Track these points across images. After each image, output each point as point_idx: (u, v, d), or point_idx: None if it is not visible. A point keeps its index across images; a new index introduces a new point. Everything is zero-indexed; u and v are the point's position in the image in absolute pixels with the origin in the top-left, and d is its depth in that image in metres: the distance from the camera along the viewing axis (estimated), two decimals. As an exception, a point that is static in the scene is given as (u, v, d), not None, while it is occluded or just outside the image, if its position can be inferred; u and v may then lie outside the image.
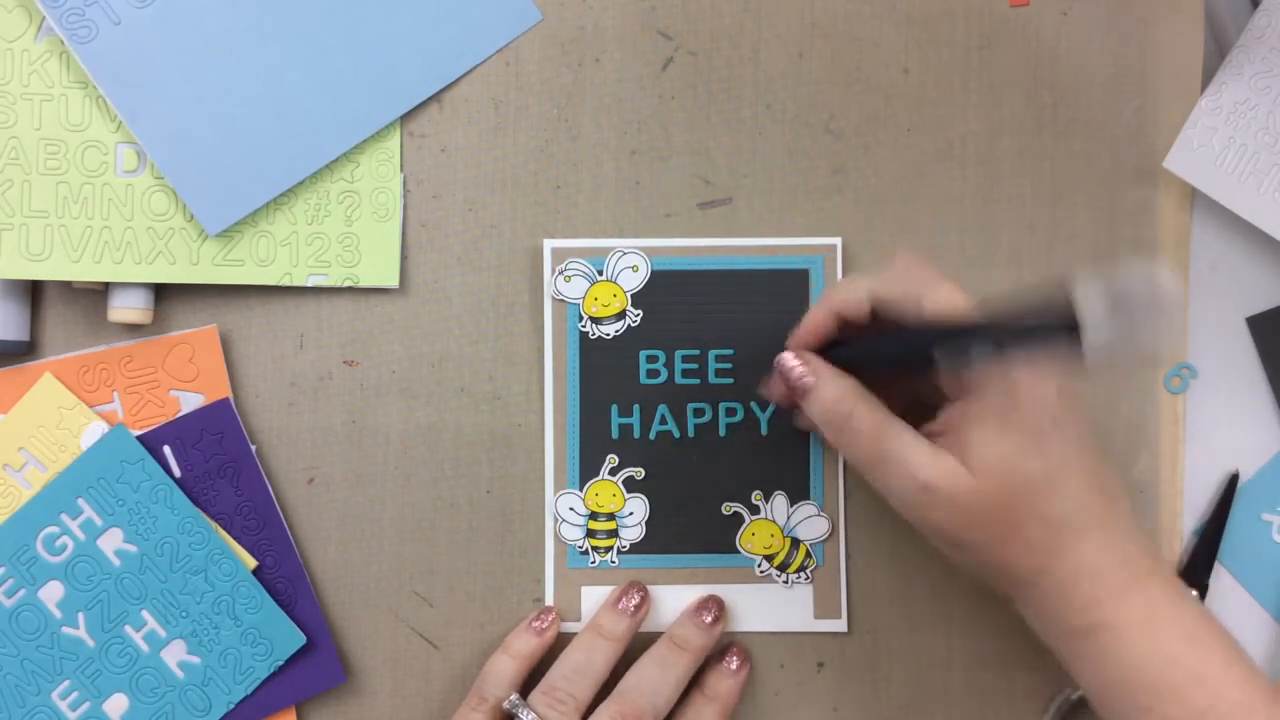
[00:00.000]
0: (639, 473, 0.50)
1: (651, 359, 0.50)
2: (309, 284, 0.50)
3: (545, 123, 0.51)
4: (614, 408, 0.50)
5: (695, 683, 0.49)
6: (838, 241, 0.50)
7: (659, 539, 0.50)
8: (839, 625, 0.50)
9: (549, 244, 0.50)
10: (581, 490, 0.50)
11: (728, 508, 0.50)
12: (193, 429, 0.49)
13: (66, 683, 0.48)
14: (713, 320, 0.50)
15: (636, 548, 0.50)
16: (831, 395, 0.43)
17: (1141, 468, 0.51)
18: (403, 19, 0.50)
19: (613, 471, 0.50)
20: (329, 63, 0.49)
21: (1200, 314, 0.51)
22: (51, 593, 0.48)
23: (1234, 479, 0.51)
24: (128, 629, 0.48)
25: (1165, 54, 0.51)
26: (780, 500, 0.50)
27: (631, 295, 0.50)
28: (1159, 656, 0.39)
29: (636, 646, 0.48)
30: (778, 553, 0.50)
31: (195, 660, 0.48)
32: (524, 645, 0.48)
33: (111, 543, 0.48)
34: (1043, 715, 0.51)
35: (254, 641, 0.48)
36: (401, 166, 0.50)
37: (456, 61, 0.50)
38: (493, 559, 0.50)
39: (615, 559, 0.50)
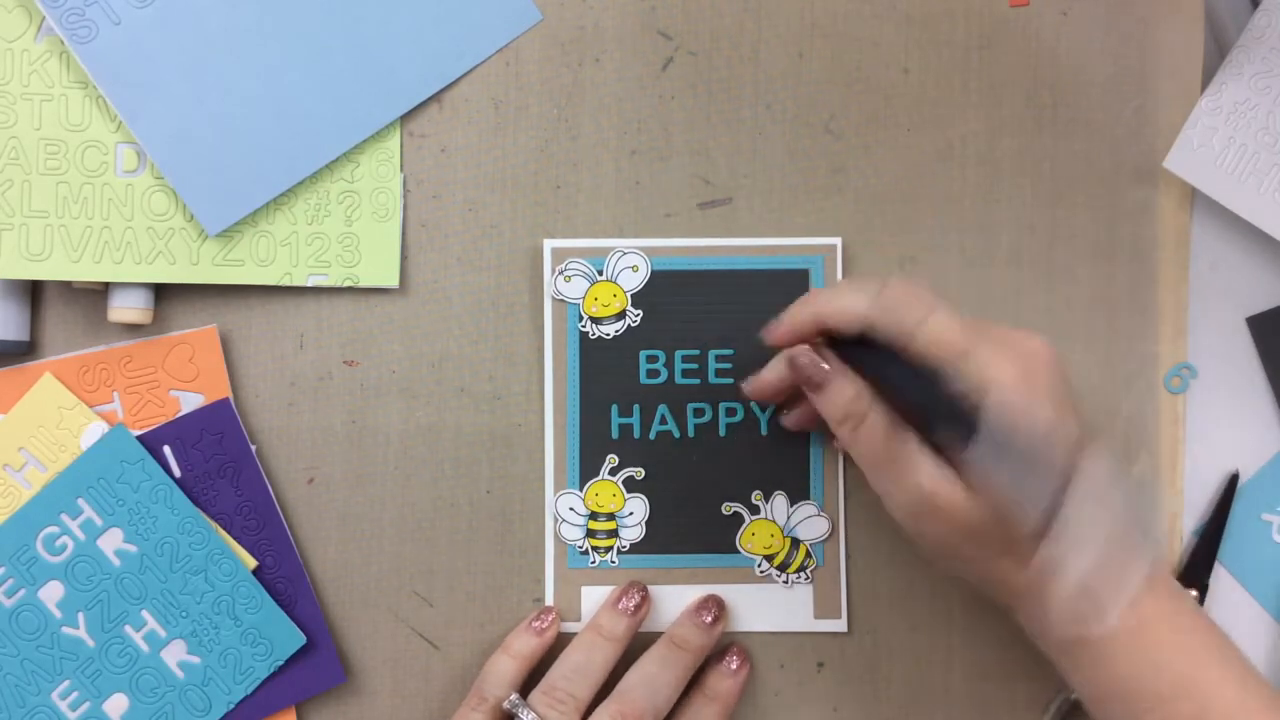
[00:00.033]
0: (639, 473, 0.50)
1: (651, 359, 0.50)
2: (309, 284, 0.50)
3: (545, 123, 0.51)
4: (614, 408, 0.50)
5: (695, 683, 0.49)
6: (838, 241, 0.50)
7: (659, 539, 0.50)
8: (839, 625, 0.50)
9: (549, 244, 0.50)
10: (581, 490, 0.50)
11: (728, 508, 0.50)
12: (193, 429, 0.49)
13: (66, 683, 0.48)
14: (713, 320, 0.50)
15: (636, 548, 0.50)
16: (850, 392, 0.43)
17: (1141, 468, 0.51)
18: (403, 19, 0.50)
19: (613, 471, 0.50)
20: (329, 63, 0.49)
21: (1200, 314, 0.51)
22: (51, 593, 0.48)
23: (1234, 479, 0.51)
24: (128, 629, 0.48)
25: (1165, 54, 0.51)
26: (780, 500, 0.50)
27: (631, 295, 0.50)
28: (1149, 666, 0.39)
29: (636, 646, 0.48)
30: (778, 553, 0.50)
31: (195, 660, 0.48)
32: (524, 645, 0.48)
33: (111, 543, 0.48)
34: (1042, 716, 0.51)
35: (254, 641, 0.48)
36: (401, 166, 0.50)
37: (456, 61, 0.50)
38: (493, 559, 0.50)
39: (615, 559, 0.50)
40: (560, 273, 0.50)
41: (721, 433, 0.50)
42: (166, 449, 0.49)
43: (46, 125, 0.48)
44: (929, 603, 0.51)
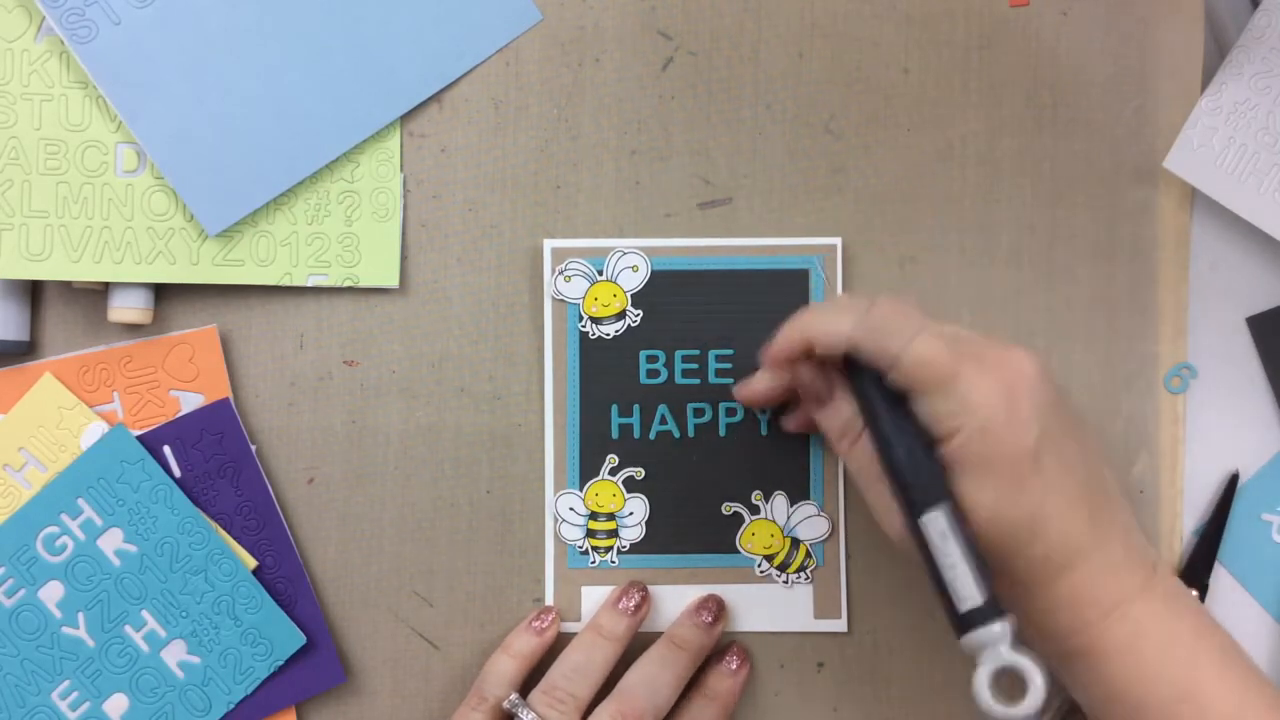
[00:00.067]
0: (639, 473, 0.50)
1: (651, 359, 0.50)
2: (309, 284, 0.50)
3: (545, 123, 0.51)
4: (614, 408, 0.50)
5: (695, 683, 0.49)
6: (838, 241, 0.50)
7: (659, 539, 0.50)
8: (839, 625, 0.50)
9: (549, 244, 0.50)
10: (581, 490, 0.50)
11: (728, 508, 0.50)
12: (193, 429, 0.49)
13: (66, 683, 0.48)
14: (713, 320, 0.50)
15: (636, 548, 0.50)
16: (850, 409, 0.43)
17: (1141, 468, 0.51)
18: (403, 19, 0.50)
19: (613, 471, 0.50)
20: (329, 63, 0.49)
21: (1200, 314, 0.51)
22: (51, 593, 0.48)
23: (1234, 479, 0.51)
24: (128, 629, 0.48)
25: (1165, 54, 0.51)
26: (780, 500, 0.50)
27: (631, 295, 0.50)
28: (1145, 677, 0.39)
29: (637, 646, 0.48)
30: (778, 553, 0.50)
31: (195, 660, 0.48)
32: (524, 645, 0.48)
33: (111, 543, 0.48)
34: (1042, 716, 0.51)
35: (254, 641, 0.48)
36: (401, 166, 0.50)
37: (456, 61, 0.50)
38: (493, 559, 0.50)
39: (615, 559, 0.50)
40: (560, 273, 0.50)
41: (721, 433, 0.50)
42: (166, 449, 0.49)
43: (46, 125, 0.48)
44: (929, 603, 0.50)
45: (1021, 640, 0.43)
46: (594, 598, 0.50)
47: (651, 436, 0.50)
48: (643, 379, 0.50)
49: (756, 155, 0.51)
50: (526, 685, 0.48)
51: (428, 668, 0.50)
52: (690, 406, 0.50)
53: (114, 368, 0.49)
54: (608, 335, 0.50)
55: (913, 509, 0.39)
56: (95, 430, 0.49)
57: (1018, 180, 0.51)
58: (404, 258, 0.50)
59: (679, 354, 0.50)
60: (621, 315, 0.50)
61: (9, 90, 0.48)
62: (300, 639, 0.49)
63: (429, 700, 0.50)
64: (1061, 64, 0.51)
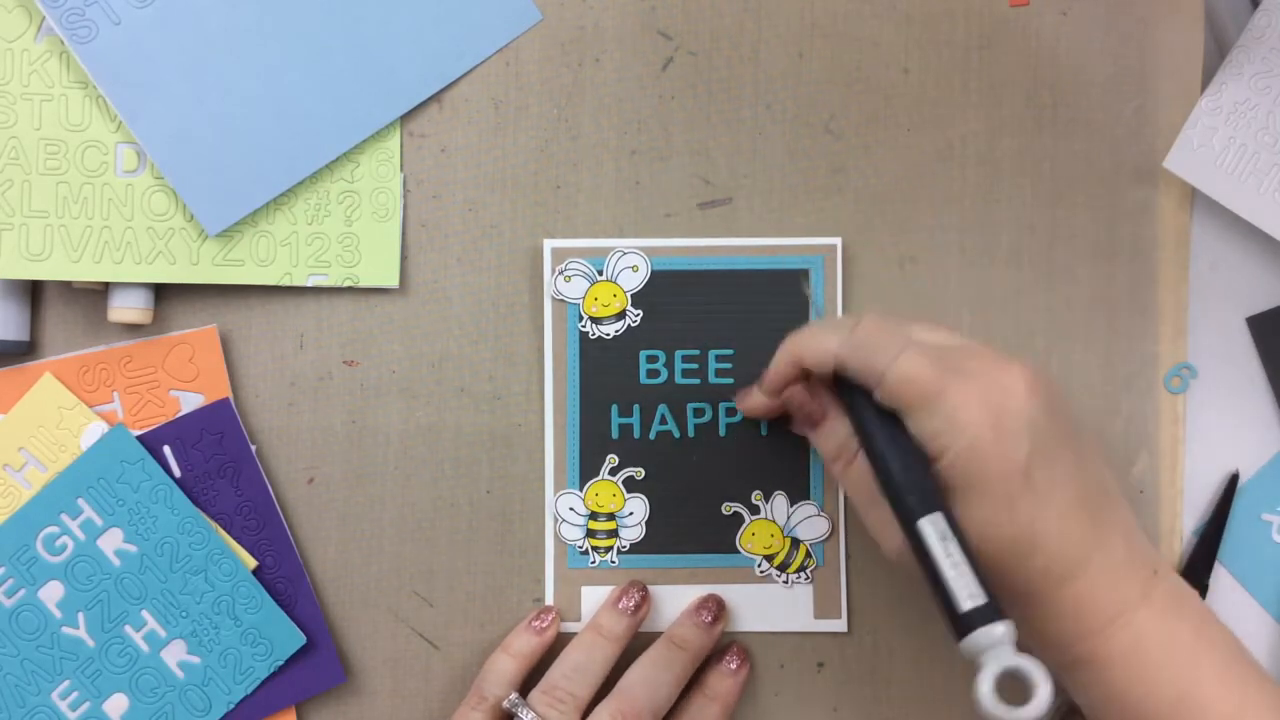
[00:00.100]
0: (639, 473, 0.50)
1: (651, 359, 0.50)
2: (309, 284, 0.50)
3: (545, 123, 0.51)
4: (614, 408, 0.50)
5: (695, 682, 0.49)
6: (838, 241, 0.50)
7: (659, 539, 0.50)
8: (839, 625, 0.50)
9: (549, 244, 0.50)
10: (581, 490, 0.50)
11: (728, 508, 0.50)
12: (193, 429, 0.49)
13: (66, 683, 0.48)
14: (713, 320, 0.50)
15: (636, 548, 0.50)
16: (844, 431, 0.43)
17: (1141, 468, 0.51)
18: (403, 19, 0.50)
19: (613, 471, 0.50)
20: (329, 63, 0.49)
21: (1200, 314, 0.51)
22: (51, 593, 0.48)
23: (1234, 479, 0.51)
24: (128, 629, 0.48)
25: (1165, 54, 0.51)
26: (780, 500, 0.50)
27: (631, 295, 0.50)
28: (1142, 683, 0.39)
29: (637, 646, 0.48)
30: (778, 553, 0.50)
31: (195, 660, 0.48)
32: (524, 645, 0.48)
33: (111, 543, 0.48)
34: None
35: (254, 641, 0.48)
36: (401, 166, 0.50)
37: (456, 61, 0.50)
38: (493, 559, 0.50)
39: (615, 559, 0.50)
40: (560, 273, 0.50)
41: (721, 433, 0.50)
42: (166, 449, 0.49)
43: (46, 125, 0.48)
44: (929, 602, 0.50)
45: (1021, 649, 0.43)
46: (594, 598, 0.50)
47: (651, 436, 0.50)
48: (643, 379, 0.50)
49: (756, 155, 0.51)
50: (526, 685, 0.48)
51: (428, 668, 0.50)
52: (690, 406, 0.50)
53: (114, 368, 0.49)
54: (608, 335, 0.50)
55: (910, 515, 0.39)
56: (95, 430, 0.49)
57: (1018, 180, 0.51)
58: (404, 258, 0.50)
59: (679, 354, 0.50)
60: (621, 315, 0.50)
61: (9, 90, 0.48)
62: (300, 639, 0.49)
63: (429, 700, 0.50)
64: (1061, 64, 0.51)
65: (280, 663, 0.49)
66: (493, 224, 0.51)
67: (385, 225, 0.50)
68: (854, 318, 0.42)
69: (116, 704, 0.48)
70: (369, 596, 0.50)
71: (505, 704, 0.46)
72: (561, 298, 0.50)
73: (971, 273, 0.51)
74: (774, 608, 0.50)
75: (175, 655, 0.48)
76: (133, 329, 0.50)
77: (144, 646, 0.48)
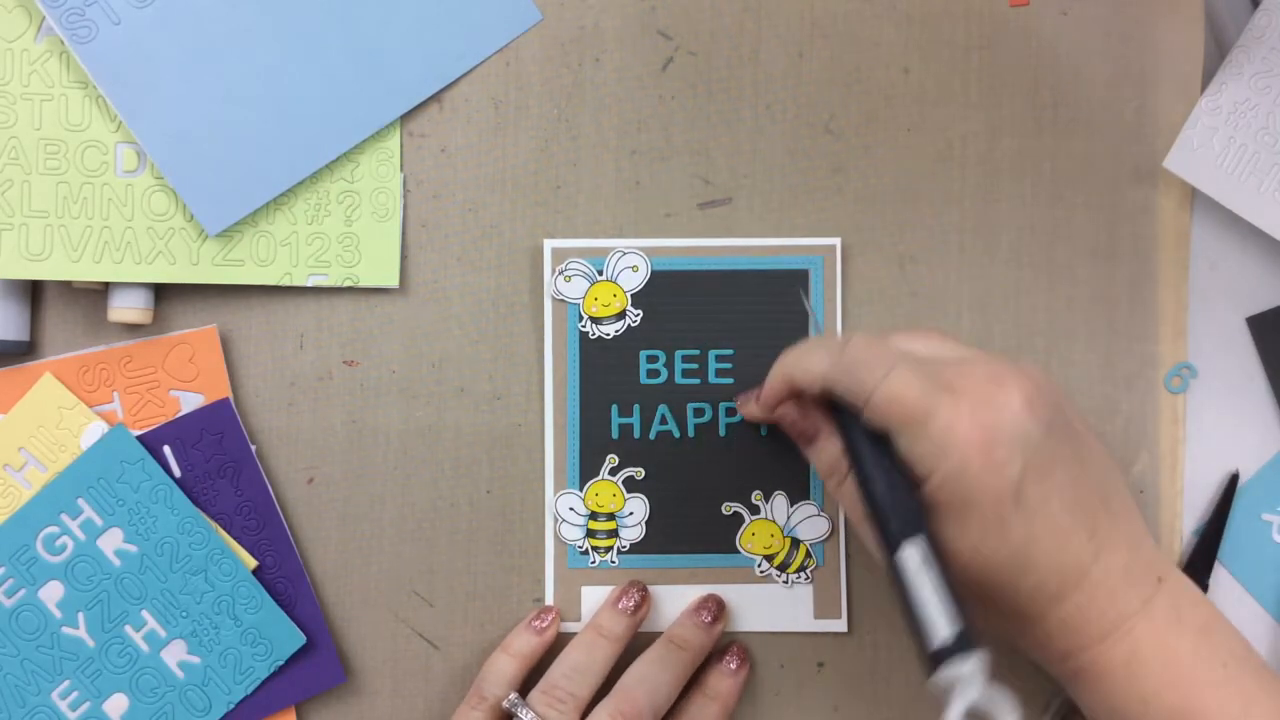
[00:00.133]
0: (639, 473, 0.50)
1: (651, 359, 0.50)
2: (309, 284, 0.50)
3: (545, 123, 0.51)
4: (614, 408, 0.50)
5: (695, 682, 0.49)
6: (837, 242, 0.50)
7: (659, 539, 0.50)
8: (839, 625, 0.50)
9: (549, 244, 0.50)
10: (581, 490, 0.50)
11: (728, 508, 0.50)
12: (193, 429, 0.49)
13: (66, 683, 0.48)
14: (713, 320, 0.50)
15: (636, 548, 0.50)
16: (836, 449, 0.43)
17: (1141, 468, 0.51)
18: (403, 19, 0.50)
19: (613, 471, 0.50)
20: (329, 63, 0.49)
21: (1200, 314, 0.51)
22: (51, 593, 0.48)
23: (1234, 479, 0.51)
24: (128, 629, 0.48)
25: (1165, 54, 0.51)
26: (780, 500, 0.50)
27: (631, 295, 0.50)
28: (1141, 695, 0.39)
29: (637, 646, 0.48)
30: (778, 553, 0.50)
31: (195, 660, 0.48)
32: (524, 645, 0.48)
33: (111, 543, 0.48)
34: (1042, 716, 0.51)
35: (254, 641, 0.48)
36: (401, 166, 0.50)
37: (456, 61, 0.50)
38: (493, 559, 0.50)
39: (615, 559, 0.50)
40: (560, 273, 0.50)
41: (721, 433, 0.50)
42: (166, 449, 0.49)
43: (46, 125, 0.48)
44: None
45: (1025, 659, 0.43)
46: (594, 598, 0.50)
47: (651, 436, 0.50)
48: (643, 379, 0.50)
49: (756, 155, 0.51)
50: (527, 685, 0.48)
51: (428, 668, 0.50)
52: (690, 406, 0.50)
53: (114, 368, 0.49)
54: (608, 335, 0.50)
55: (889, 542, 0.39)
56: (95, 430, 0.49)
57: (1018, 180, 0.51)
58: (404, 258, 0.50)
59: (679, 354, 0.50)
60: (621, 315, 0.50)
61: (9, 90, 0.48)
62: (300, 639, 0.49)
63: (429, 700, 0.50)
64: (1061, 64, 0.51)
65: (280, 663, 0.49)
66: (493, 224, 0.51)
67: (385, 225, 0.50)
68: (845, 337, 0.41)
69: (116, 704, 0.48)
70: (369, 596, 0.50)
71: (505, 704, 0.46)
72: (561, 298, 0.50)
73: (971, 273, 0.51)
74: (774, 608, 0.50)
75: (175, 655, 0.48)
76: (133, 329, 0.50)
77: (144, 646, 0.48)
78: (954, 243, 0.51)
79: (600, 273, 0.50)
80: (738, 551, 0.50)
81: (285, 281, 0.50)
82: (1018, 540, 0.38)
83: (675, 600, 0.50)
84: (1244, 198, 0.48)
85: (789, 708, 0.51)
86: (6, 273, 0.48)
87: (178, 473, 0.49)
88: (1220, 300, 0.51)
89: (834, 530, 0.50)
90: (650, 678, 0.47)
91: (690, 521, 0.50)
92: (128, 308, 0.48)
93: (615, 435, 0.50)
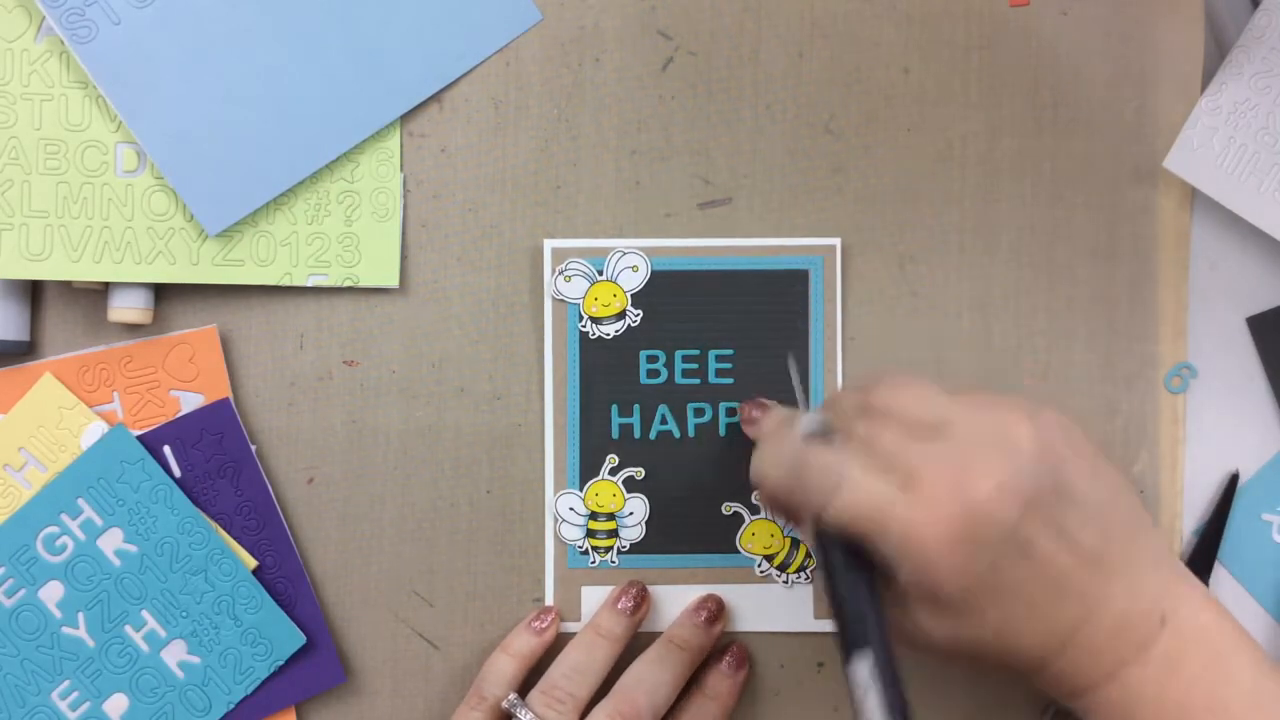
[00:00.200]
0: (639, 473, 0.50)
1: (651, 359, 0.50)
2: (309, 284, 0.50)
3: (545, 123, 0.51)
4: (614, 408, 0.50)
5: (695, 682, 0.49)
6: (837, 242, 0.50)
7: (659, 539, 0.50)
8: (839, 625, 0.50)
9: (549, 244, 0.50)
10: (581, 490, 0.50)
11: (728, 508, 0.50)
12: (193, 429, 0.49)
13: (66, 683, 0.48)
14: (713, 320, 0.50)
15: (636, 548, 0.50)
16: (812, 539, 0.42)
17: (1141, 468, 0.51)
18: (403, 19, 0.50)
19: (613, 471, 0.50)
20: (329, 63, 0.49)
21: (1200, 314, 0.51)
22: (51, 593, 0.48)
23: (1234, 479, 0.51)
24: (128, 629, 0.48)
25: (1165, 54, 0.51)
26: (780, 500, 0.50)
27: (631, 295, 0.50)
28: None
29: (637, 647, 0.48)
30: (778, 553, 0.50)
31: (195, 660, 0.48)
32: (523, 645, 0.48)
33: (111, 543, 0.48)
34: (1041, 716, 0.51)
35: (254, 641, 0.48)
36: (401, 166, 0.50)
37: (456, 61, 0.50)
38: (493, 559, 0.50)
39: (615, 559, 0.50)
40: (560, 273, 0.50)
41: (721, 433, 0.50)
42: (166, 449, 0.49)
43: (46, 125, 0.48)
44: (929, 603, 0.50)
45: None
46: (594, 598, 0.50)
47: (652, 436, 0.50)
48: (643, 379, 0.50)
49: (756, 155, 0.51)
50: (526, 685, 0.48)
51: (428, 668, 0.50)
52: (690, 406, 0.50)
53: (114, 368, 0.49)
54: (608, 335, 0.50)
55: (843, 649, 0.38)
56: (95, 430, 0.49)
57: (1018, 180, 0.51)
58: (404, 258, 0.50)
59: (679, 354, 0.50)
60: (621, 315, 0.50)
61: (9, 90, 0.48)
62: (300, 639, 0.49)
63: (429, 700, 0.50)
64: (1061, 64, 0.51)
65: (280, 663, 0.49)
66: (493, 224, 0.51)
67: (385, 225, 0.50)
68: (799, 443, 0.40)
69: (116, 704, 0.48)
70: (369, 596, 0.50)
71: (504, 704, 0.46)
72: (561, 298, 0.50)
73: (971, 273, 0.51)
74: (774, 608, 0.50)
75: (175, 655, 0.48)
76: (133, 329, 0.50)
77: (144, 646, 0.48)
78: (954, 243, 0.51)
79: (600, 273, 0.50)
80: (738, 551, 0.50)
81: (285, 281, 0.50)
82: (994, 624, 0.38)
83: (675, 600, 0.50)
84: (1244, 198, 0.48)
85: (789, 708, 0.51)
86: (6, 273, 0.48)
87: (178, 473, 0.49)
88: (1220, 300, 0.51)
89: (834, 530, 0.50)
90: (650, 678, 0.47)
91: (690, 521, 0.50)
92: (128, 308, 0.48)
93: (615, 435, 0.50)
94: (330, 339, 0.50)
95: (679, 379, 0.50)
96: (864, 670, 0.37)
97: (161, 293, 0.50)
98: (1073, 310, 0.51)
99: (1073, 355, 0.51)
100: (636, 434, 0.50)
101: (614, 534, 0.50)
